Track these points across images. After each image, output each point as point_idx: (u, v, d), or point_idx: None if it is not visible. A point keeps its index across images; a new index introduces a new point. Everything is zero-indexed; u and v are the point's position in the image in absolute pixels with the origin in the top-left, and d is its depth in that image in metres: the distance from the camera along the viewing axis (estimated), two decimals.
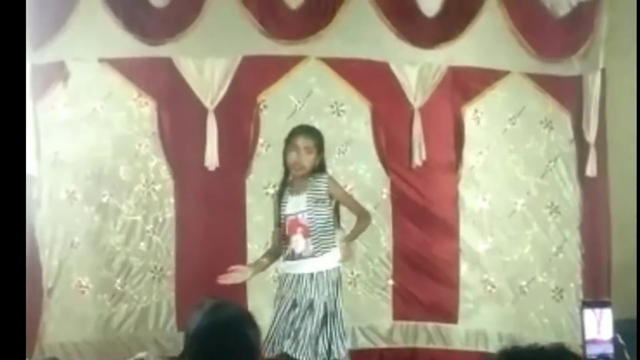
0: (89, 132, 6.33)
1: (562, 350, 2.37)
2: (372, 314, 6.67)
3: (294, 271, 5.41)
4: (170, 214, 6.47)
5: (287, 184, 5.53)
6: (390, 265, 6.74)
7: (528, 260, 6.79)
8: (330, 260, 5.46)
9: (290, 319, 5.38)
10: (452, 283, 6.79)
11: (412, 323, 6.75)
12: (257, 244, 6.49)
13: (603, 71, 6.58)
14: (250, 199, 6.55)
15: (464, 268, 6.80)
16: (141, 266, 6.43)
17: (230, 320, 2.72)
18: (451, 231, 6.80)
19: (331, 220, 5.47)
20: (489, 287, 6.80)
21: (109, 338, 6.33)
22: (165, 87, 6.47)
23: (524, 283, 6.78)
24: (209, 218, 6.46)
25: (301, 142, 5.43)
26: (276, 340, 5.35)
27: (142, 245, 6.45)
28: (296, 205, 5.45)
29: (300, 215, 5.42)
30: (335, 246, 5.47)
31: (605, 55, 6.57)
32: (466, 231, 6.81)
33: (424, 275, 6.75)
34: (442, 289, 6.78)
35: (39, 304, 6.15)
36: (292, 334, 5.32)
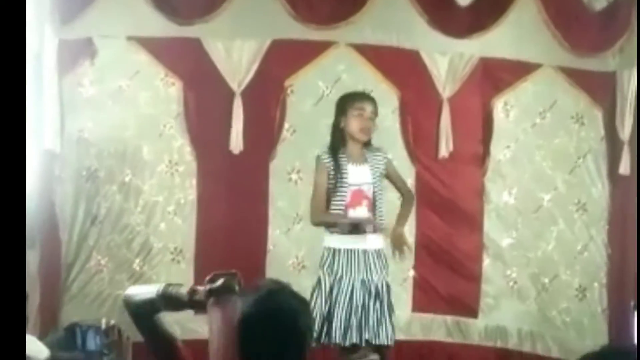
0: (114, 111, 6.31)
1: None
2: None
3: (357, 246, 5.31)
4: (192, 195, 6.45)
5: (340, 152, 5.40)
6: (412, 257, 6.62)
7: (552, 257, 6.74)
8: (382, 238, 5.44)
9: (364, 304, 5.27)
10: (473, 277, 6.76)
11: (431, 316, 6.72)
12: (278, 229, 6.49)
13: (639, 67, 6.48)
14: (273, 184, 6.53)
15: (486, 262, 6.77)
16: (161, 247, 6.42)
17: (283, 310, 2.66)
18: (475, 224, 6.77)
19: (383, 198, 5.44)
20: (511, 283, 6.76)
21: (126, 318, 6.31)
22: (193, 68, 6.43)
23: (546, 280, 6.73)
24: (231, 202, 6.44)
25: (367, 107, 5.40)
26: (352, 329, 5.24)
27: (163, 226, 6.43)
28: (359, 175, 5.37)
29: (366, 187, 5.36)
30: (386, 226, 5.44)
31: None
32: (490, 225, 6.77)
33: (446, 268, 6.72)
34: (463, 282, 6.75)
35: (57, 280, 6.16)
36: (374, 320, 5.26)
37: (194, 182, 6.45)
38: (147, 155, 6.40)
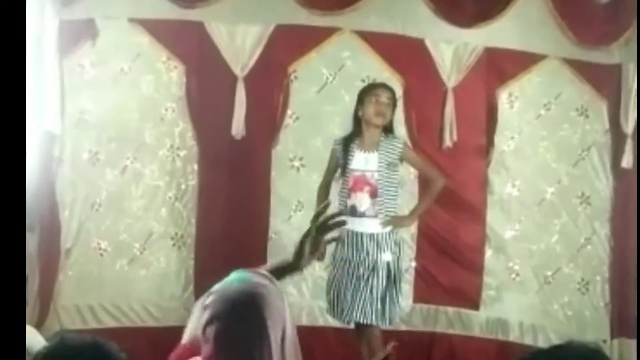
0: (115, 93, 6.30)
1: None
2: None
3: (352, 228, 5.53)
4: (193, 181, 6.46)
5: (355, 139, 5.65)
6: (414, 247, 6.71)
7: (555, 250, 6.75)
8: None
9: (355, 284, 5.53)
10: (475, 268, 6.77)
11: (432, 307, 6.76)
12: (279, 217, 6.49)
13: None
14: (275, 171, 6.54)
15: (488, 254, 6.78)
16: (161, 232, 6.42)
17: None
18: (478, 216, 6.77)
19: (397, 184, 5.65)
20: (513, 275, 6.77)
21: (126, 303, 6.35)
22: (196, 52, 6.42)
23: (549, 273, 6.74)
24: (233, 188, 6.44)
25: (382, 93, 5.64)
26: (345, 309, 5.54)
27: (164, 211, 6.43)
28: (365, 162, 5.60)
29: (369, 174, 5.58)
30: (395, 212, 5.64)
31: None
32: (493, 217, 6.78)
33: (448, 259, 6.74)
34: (465, 274, 6.76)
35: (56, 264, 6.14)
36: (360, 299, 5.50)
37: (195, 167, 6.46)
38: (148, 139, 6.39)
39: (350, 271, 5.59)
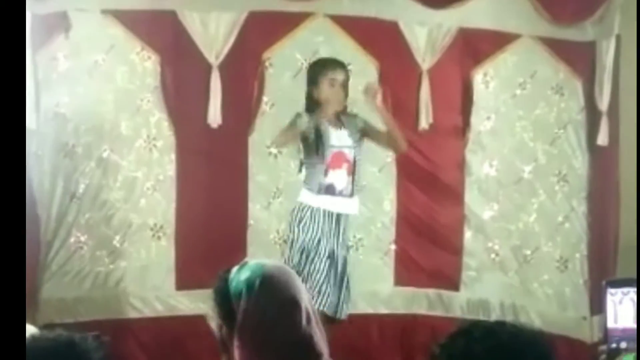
0: (90, 85, 6.46)
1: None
2: (373, 278, 6.89)
3: (331, 208, 5.67)
4: (171, 171, 6.63)
5: (317, 114, 5.71)
6: (393, 230, 6.94)
7: (533, 229, 6.97)
8: (357, 203, 5.78)
9: (329, 271, 5.64)
10: (455, 250, 7.00)
11: (413, 289, 6.97)
12: (259, 204, 6.70)
13: (618, 37, 6.70)
14: (252, 159, 6.72)
15: (467, 235, 7.01)
16: (140, 224, 6.60)
17: None
18: (456, 197, 7.00)
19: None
20: (492, 255, 7.00)
21: (107, 295, 6.55)
22: (169, 41, 6.60)
23: (528, 252, 6.97)
24: (211, 176, 6.64)
25: (338, 75, 5.70)
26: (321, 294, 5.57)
27: (142, 202, 6.60)
28: (340, 139, 5.69)
29: (347, 150, 5.70)
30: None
31: (621, 21, 6.72)
32: (471, 197, 7.01)
33: (427, 241, 6.97)
34: (444, 255, 6.99)
35: (37, 258, 6.32)
36: (337, 287, 5.63)
37: (173, 157, 6.63)
38: (125, 131, 6.56)
39: (322, 254, 5.67)
